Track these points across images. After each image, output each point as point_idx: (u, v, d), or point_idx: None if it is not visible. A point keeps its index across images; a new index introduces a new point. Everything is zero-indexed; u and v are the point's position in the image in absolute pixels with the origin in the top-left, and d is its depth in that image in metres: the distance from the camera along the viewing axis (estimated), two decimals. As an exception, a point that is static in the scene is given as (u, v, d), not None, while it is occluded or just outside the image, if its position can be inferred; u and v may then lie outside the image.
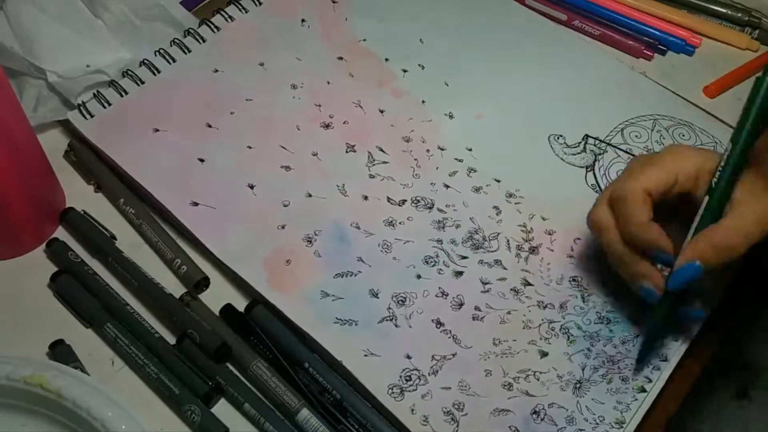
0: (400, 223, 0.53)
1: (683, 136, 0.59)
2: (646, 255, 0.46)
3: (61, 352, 0.47)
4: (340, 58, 0.62)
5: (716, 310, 0.51)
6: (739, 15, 0.66)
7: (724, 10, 0.66)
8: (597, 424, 0.46)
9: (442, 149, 0.57)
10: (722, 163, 0.44)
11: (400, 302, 0.50)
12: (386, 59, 0.62)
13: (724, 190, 0.44)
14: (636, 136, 0.59)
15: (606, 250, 0.47)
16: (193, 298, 0.50)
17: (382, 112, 0.59)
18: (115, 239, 0.52)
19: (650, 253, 0.45)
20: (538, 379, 0.48)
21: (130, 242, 0.52)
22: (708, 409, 0.59)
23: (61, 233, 0.53)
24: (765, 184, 0.44)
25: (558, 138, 0.59)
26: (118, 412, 0.42)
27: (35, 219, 0.51)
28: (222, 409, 0.46)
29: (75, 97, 0.57)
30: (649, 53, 0.64)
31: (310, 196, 0.54)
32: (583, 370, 0.48)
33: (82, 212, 0.53)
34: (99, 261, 0.51)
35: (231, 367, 0.48)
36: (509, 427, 0.46)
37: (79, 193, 0.54)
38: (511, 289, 0.51)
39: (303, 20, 0.64)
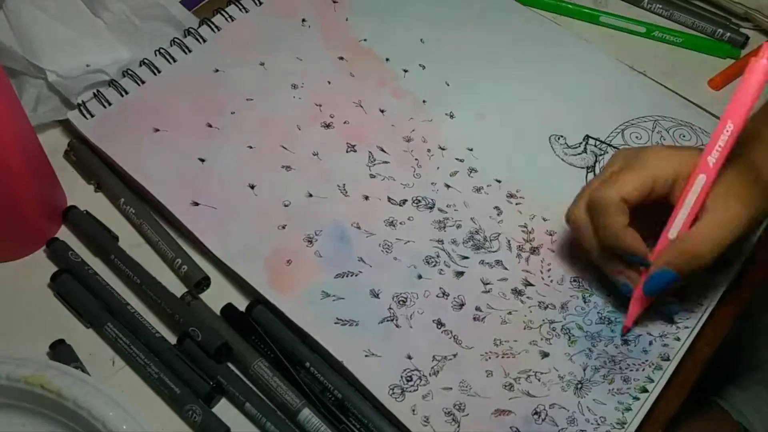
0: (400, 223, 0.53)
1: (684, 136, 0.59)
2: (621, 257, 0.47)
3: (61, 352, 0.47)
4: (341, 58, 0.62)
5: (716, 311, 0.51)
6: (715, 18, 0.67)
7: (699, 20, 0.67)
8: (598, 424, 0.46)
9: (443, 149, 0.57)
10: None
11: (401, 302, 0.50)
12: (387, 59, 0.62)
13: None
14: (636, 137, 0.59)
15: (584, 246, 0.49)
16: (193, 297, 0.50)
17: (382, 111, 0.59)
18: (117, 239, 0.52)
19: (625, 257, 0.47)
20: (539, 380, 0.48)
21: (130, 242, 0.52)
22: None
23: (61, 233, 0.53)
24: (734, 190, 0.45)
25: (559, 138, 0.59)
26: (118, 412, 0.42)
27: (37, 220, 0.51)
28: (223, 409, 0.46)
29: (75, 96, 0.56)
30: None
31: (310, 196, 0.54)
32: (584, 370, 0.48)
33: (85, 212, 0.53)
34: (101, 260, 0.51)
35: (232, 367, 0.48)
36: (510, 427, 0.46)
37: (80, 193, 0.54)
38: (512, 290, 0.51)
39: (303, 20, 0.64)
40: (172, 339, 0.48)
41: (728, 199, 0.45)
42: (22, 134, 0.48)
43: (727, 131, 0.44)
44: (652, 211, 0.47)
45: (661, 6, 0.68)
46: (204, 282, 0.51)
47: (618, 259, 0.48)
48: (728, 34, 0.66)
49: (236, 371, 0.48)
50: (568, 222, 0.49)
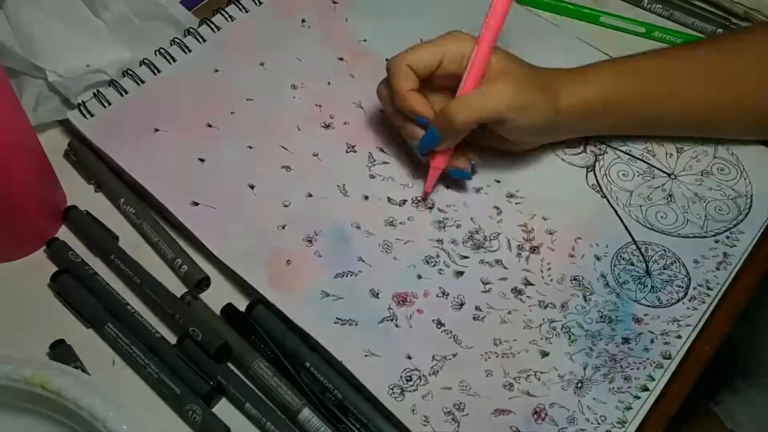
0: (400, 223, 0.53)
1: (684, 136, 0.59)
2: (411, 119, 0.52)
3: (61, 352, 0.47)
4: (341, 59, 0.62)
5: (716, 310, 0.51)
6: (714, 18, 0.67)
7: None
8: (599, 423, 0.46)
9: (443, 149, 0.57)
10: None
11: (401, 302, 0.50)
12: (387, 59, 0.62)
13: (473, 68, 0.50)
14: (636, 136, 0.59)
15: (386, 112, 0.54)
16: (194, 297, 0.50)
17: (382, 112, 0.59)
18: (117, 239, 0.52)
19: (414, 118, 0.51)
20: (539, 379, 0.48)
21: (130, 242, 0.52)
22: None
23: (61, 233, 0.53)
24: (509, 76, 0.50)
25: (559, 138, 0.58)
26: (119, 412, 0.42)
27: (37, 220, 0.51)
28: (223, 409, 0.46)
29: (75, 96, 0.56)
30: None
31: (310, 196, 0.54)
32: (584, 369, 0.48)
33: (85, 212, 0.53)
34: (101, 260, 0.51)
35: (232, 367, 0.48)
36: (510, 427, 0.46)
37: (79, 193, 0.54)
38: (512, 289, 0.51)
39: (303, 20, 0.64)
40: (172, 339, 0.48)
41: (502, 79, 0.50)
42: (22, 134, 0.48)
43: (494, 6, 0.50)
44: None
45: (661, 6, 0.68)
46: (204, 282, 0.51)
47: (410, 125, 0.52)
48: None
49: (236, 371, 0.48)
50: (377, 95, 0.54)
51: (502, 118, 0.50)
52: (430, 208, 0.54)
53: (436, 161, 0.52)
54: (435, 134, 0.50)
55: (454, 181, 0.55)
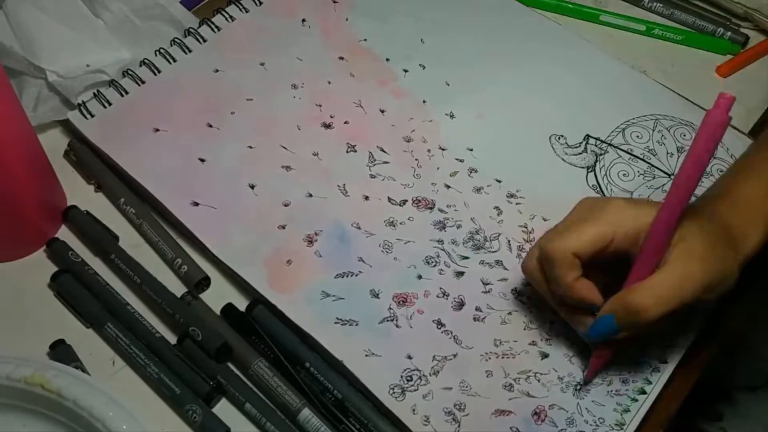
0: (401, 223, 0.53)
1: (684, 135, 0.59)
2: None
3: (61, 351, 0.47)
4: (341, 58, 0.62)
5: (717, 311, 0.51)
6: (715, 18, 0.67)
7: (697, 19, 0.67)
8: (597, 425, 0.46)
9: (443, 149, 0.57)
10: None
11: (401, 302, 0.50)
12: (387, 59, 0.62)
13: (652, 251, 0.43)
14: (637, 136, 0.59)
15: (541, 295, 0.47)
16: (194, 297, 0.50)
17: (382, 112, 0.59)
18: (117, 239, 0.52)
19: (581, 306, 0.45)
20: (538, 381, 0.48)
21: (130, 242, 0.52)
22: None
23: (61, 233, 0.53)
24: (697, 250, 0.42)
25: (559, 138, 0.59)
26: (118, 411, 0.42)
27: (37, 220, 0.51)
28: (223, 409, 0.46)
29: (75, 96, 0.56)
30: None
31: (310, 196, 0.54)
32: (583, 371, 0.48)
33: (85, 212, 0.53)
34: (101, 260, 0.51)
35: (232, 367, 0.48)
36: (510, 427, 0.46)
37: (79, 193, 0.54)
38: (512, 290, 0.51)
39: (303, 20, 0.64)
40: (172, 339, 0.48)
41: (689, 257, 0.42)
42: (22, 134, 0.48)
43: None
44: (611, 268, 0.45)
45: (661, 5, 0.68)
46: (204, 282, 0.51)
47: (576, 313, 0.46)
48: (728, 33, 0.66)
49: (236, 371, 0.48)
50: (524, 274, 0.47)
51: (698, 300, 0.42)
52: (431, 208, 0.54)
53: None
54: (613, 325, 0.43)
55: (454, 181, 0.55)
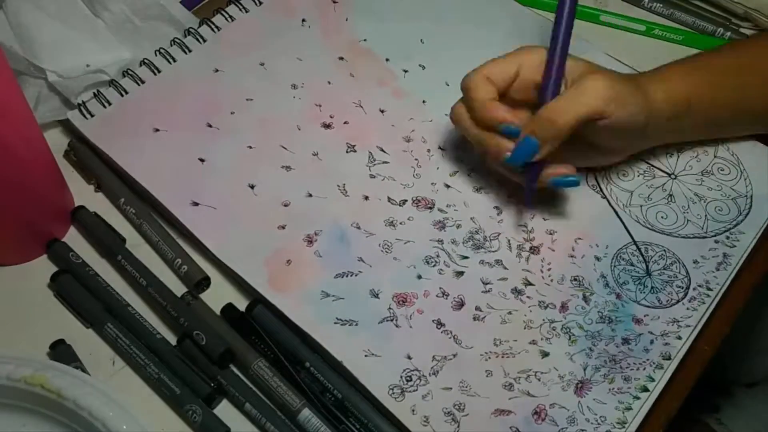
0: (400, 223, 0.53)
1: (684, 136, 0.59)
2: (498, 132, 0.50)
3: (61, 352, 0.47)
4: (341, 58, 0.62)
5: (716, 310, 0.51)
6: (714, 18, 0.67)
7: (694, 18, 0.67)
8: (599, 424, 0.46)
9: (443, 149, 0.57)
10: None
11: (401, 302, 0.50)
12: (387, 59, 0.62)
13: (556, 72, 0.49)
14: (637, 136, 0.59)
15: (468, 139, 0.52)
16: (194, 297, 0.50)
17: (382, 112, 0.59)
18: (125, 241, 0.52)
19: (500, 129, 0.49)
20: (539, 380, 0.48)
21: (130, 242, 0.52)
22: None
23: (67, 232, 0.53)
24: (600, 70, 0.49)
25: (559, 138, 0.58)
26: (118, 412, 0.42)
27: (48, 222, 0.51)
28: (223, 409, 0.46)
29: (75, 96, 0.56)
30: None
31: (310, 196, 0.54)
32: (584, 370, 0.48)
33: (93, 213, 0.53)
34: (108, 260, 0.51)
35: (232, 367, 0.48)
36: (510, 427, 0.46)
37: (80, 193, 0.54)
38: (512, 289, 0.51)
39: (303, 20, 0.64)
40: (173, 339, 0.48)
41: (589, 77, 0.48)
42: (32, 137, 0.48)
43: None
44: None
45: (661, 5, 0.68)
46: (204, 282, 0.51)
47: (496, 137, 0.50)
48: (729, 33, 0.66)
49: (236, 371, 0.48)
50: (452, 121, 0.52)
51: (602, 112, 0.48)
52: (430, 208, 0.54)
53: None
54: (532, 141, 0.48)
55: (454, 181, 0.55)
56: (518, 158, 0.49)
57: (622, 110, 0.48)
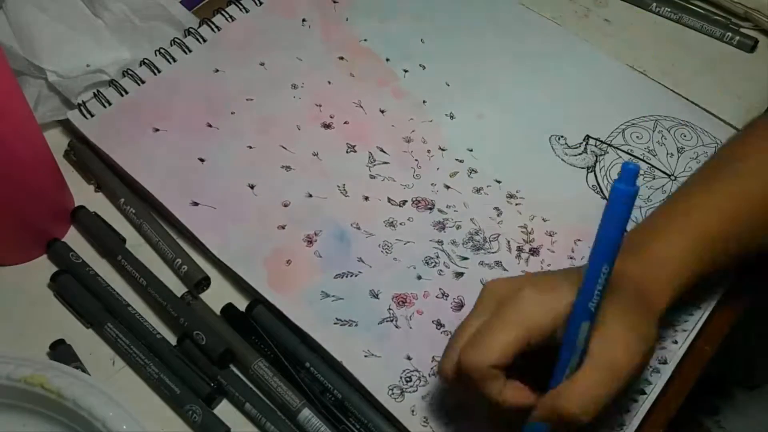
0: (400, 223, 0.53)
1: (685, 136, 0.59)
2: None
3: (61, 352, 0.47)
4: (341, 58, 0.62)
5: (716, 311, 0.51)
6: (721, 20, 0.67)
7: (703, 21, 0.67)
8: (597, 425, 0.46)
9: (443, 150, 0.57)
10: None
11: (401, 303, 0.50)
12: (387, 59, 0.62)
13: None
14: (637, 136, 0.59)
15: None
16: (194, 297, 0.50)
17: (382, 112, 0.59)
18: (125, 241, 0.52)
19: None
20: (538, 380, 0.48)
21: (130, 242, 0.52)
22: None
23: (67, 232, 0.53)
24: (621, 336, 0.39)
25: (559, 139, 0.59)
26: (118, 412, 0.42)
27: (49, 222, 0.51)
28: (223, 409, 0.46)
29: (75, 96, 0.56)
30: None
31: (310, 196, 0.54)
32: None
33: (94, 213, 0.53)
34: (108, 260, 0.51)
35: (232, 367, 0.48)
36: (510, 427, 0.46)
37: (80, 193, 0.54)
38: (512, 290, 0.51)
39: (303, 20, 0.64)
40: (173, 339, 0.48)
41: (612, 347, 0.39)
42: (32, 137, 0.48)
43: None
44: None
45: (669, 9, 0.67)
46: (204, 282, 0.51)
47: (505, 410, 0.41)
48: (737, 38, 0.65)
49: (236, 371, 0.48)
50: (439, 375, 0.44)
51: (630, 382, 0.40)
52: (430, 208, 0.54)
53: None
54: (542, 429, 0.40)
55: (454, 182, 0.55)
56: None
57: (646, 362, 0.40)
